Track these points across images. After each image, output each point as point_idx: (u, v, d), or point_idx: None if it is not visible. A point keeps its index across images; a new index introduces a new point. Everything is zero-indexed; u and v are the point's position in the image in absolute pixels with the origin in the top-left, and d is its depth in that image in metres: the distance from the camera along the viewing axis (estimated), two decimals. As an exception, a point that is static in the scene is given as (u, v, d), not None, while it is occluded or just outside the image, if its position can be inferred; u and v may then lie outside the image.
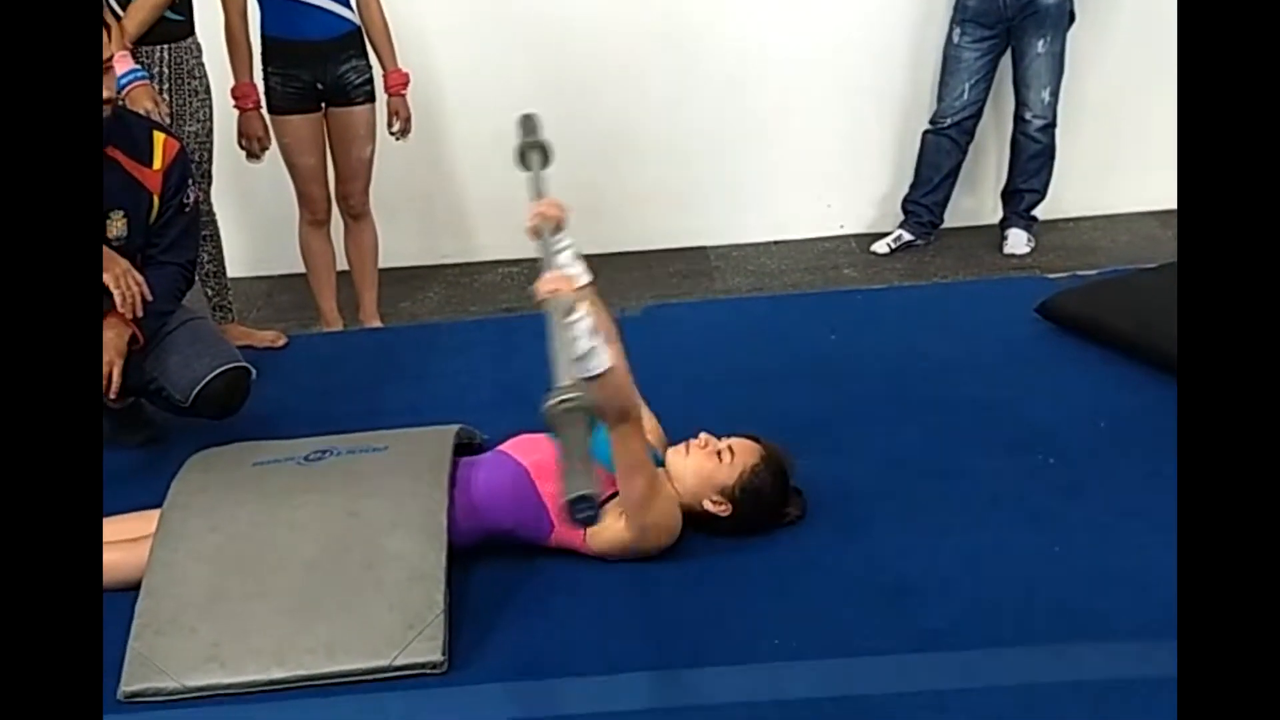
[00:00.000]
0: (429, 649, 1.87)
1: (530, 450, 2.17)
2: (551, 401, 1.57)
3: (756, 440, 2.17)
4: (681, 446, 2.17)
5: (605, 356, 1.83)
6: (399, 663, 1.86)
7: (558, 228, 2.07)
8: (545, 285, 1.83)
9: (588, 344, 1.80)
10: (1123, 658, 1.81)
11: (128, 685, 1.86)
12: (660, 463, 2.20)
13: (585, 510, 1.46)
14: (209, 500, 2.18)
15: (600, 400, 1.79)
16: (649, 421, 2.25)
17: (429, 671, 1.86)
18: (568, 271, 2.00)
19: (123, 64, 2.79)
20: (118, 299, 2.31)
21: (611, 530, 2.07)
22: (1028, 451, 2.39)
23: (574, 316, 1.79)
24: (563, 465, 1.53)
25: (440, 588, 1.94)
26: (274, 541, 2.07)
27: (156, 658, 1.88)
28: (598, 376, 1.82)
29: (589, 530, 2.06)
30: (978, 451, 2.41)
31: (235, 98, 3.45)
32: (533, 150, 2.31)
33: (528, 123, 2.39)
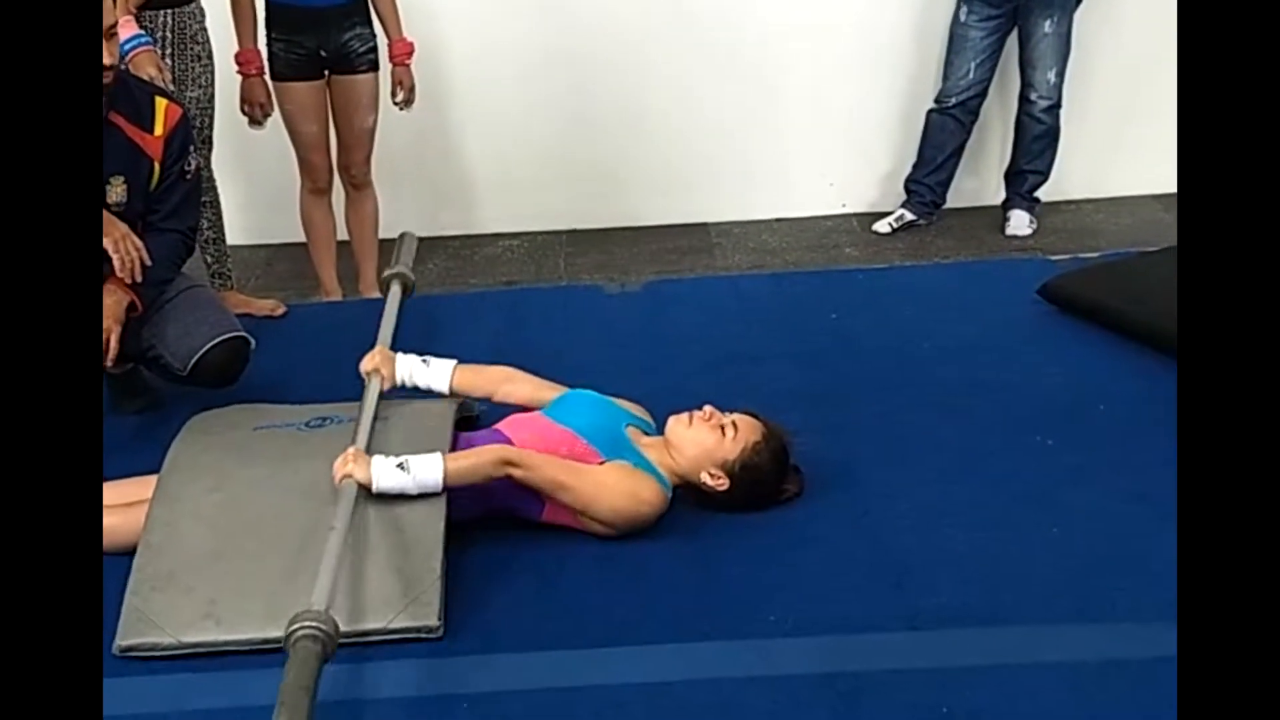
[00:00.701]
0: (425, 613, 1.87)
1: (523, 429, 2.17)
2: (290, 627, 1.66)
3: (756, 417, 2.17)
4: (685, 415, 2.16)
5: (430, 474, 1.99)
6: (394, 625, 1.86)
7: (387, 380, 2.29)
8: (338, 472, 2.00)
9: (401, 485, 1.98)
10: (1120, 638, 1.82)
11: (123, 639, 1.86)
12: (650, 431, 2.22)
13: None
14: (209, 461, 2.18)
15: (464, 483, 2.00)
16: (524, 388, 2.33)
17: (424, 636, 1.86)
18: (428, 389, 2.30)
19: (126, 29, 2.77)
20: (116, 264, 2.30)
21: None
22: (1027, 433, 2.39)
23: (375, 486, 1.97)
24: (279, 700, 1.53)
25: (438, 554, 1.94)
26: (273, 504, 2.07)
27: (153, 613, 1.89)
28: (441, 487, 2.00)
29: (579, 510, 2.06)
30: (977, 432, 2.41)
31: (238, 63, 3.43)
32: (395, 280, 2.54)
33: (403, 246, 2.64)
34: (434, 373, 2.33)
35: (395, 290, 2.55)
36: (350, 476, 1.97)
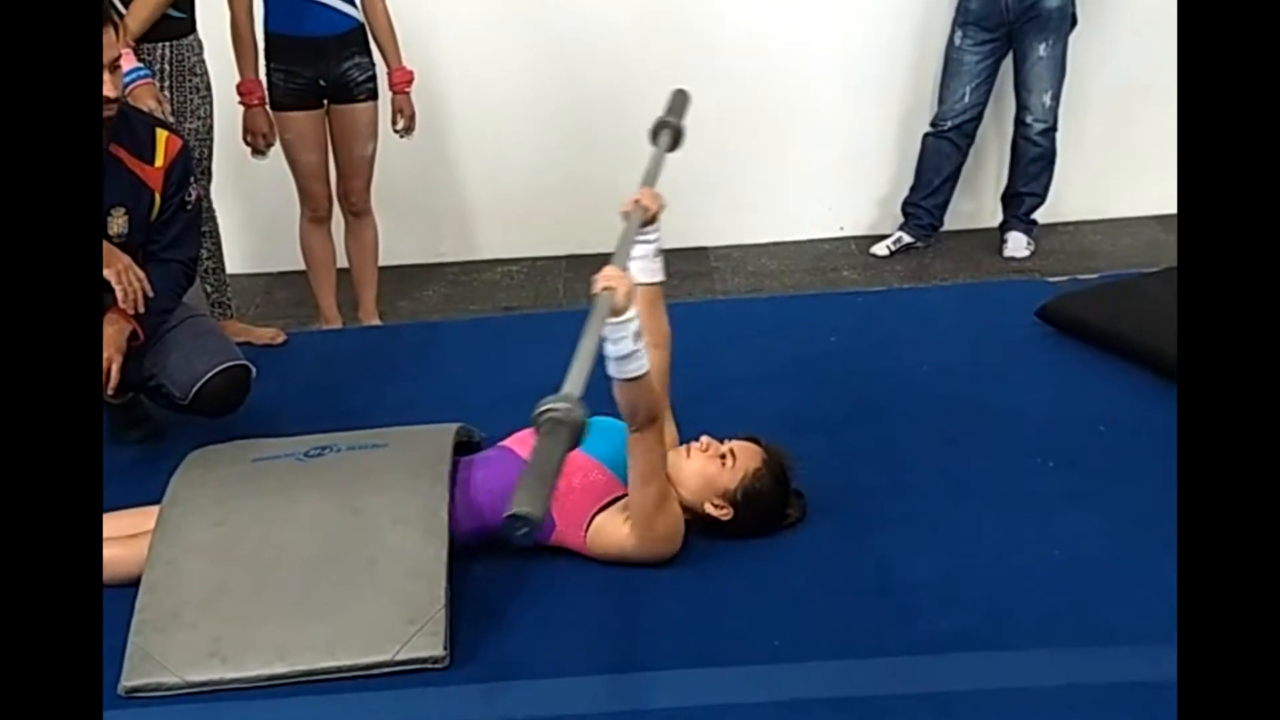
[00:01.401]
0: (430, 644, 1.87)
1: (529, 446, 2.17)
2: (543, 408, 1.55)
3: (757, 442, 2.17)
4: (683, 449, 2.17)
5: (644, 360, 1.85)
6: (400, 657, 1.86)
7: (649, 221, 2.06)
8: (602, 279, 1.81)
9: (630, 346, 1.82)
10: (1123, 661, 1.81)
11: (129, 680, 1.85)
12: None
13: (521, 529, 1.40)
14: (209, 496, 2.18)
15: (628, 402, 1.85)
16: (670, 434, 2.25)
17: (430, 666, 1.86)
18: (635, 268, 2.02)
19: (127, 62, 2.78)
20: (119, 295, 2.31)
21: (613, 534, 2.07)
22: (1027, 455, 2.39)
23: (623, 317, 1.79)
24: (523, 475, 1.47)
25: (441, 583, 1.94)
26: (275, 538, 2.07)
27: (157, 653, 1.88)
28: (634, 379, 1.85)
29: (590, 531, 2.06)
30: (977, 454, 2.41)
31: (240, 94, 3.45)
32: (665, 130, 2.33)
33: (677, 99, 2.39)
34: (644, 267, 2.28)
35: (665, 140, 2.42)
36: (612, 289, 1.78)
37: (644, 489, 2.00)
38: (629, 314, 1.81)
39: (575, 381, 1.60)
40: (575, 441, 1.54)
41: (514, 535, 1.41)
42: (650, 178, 2.18)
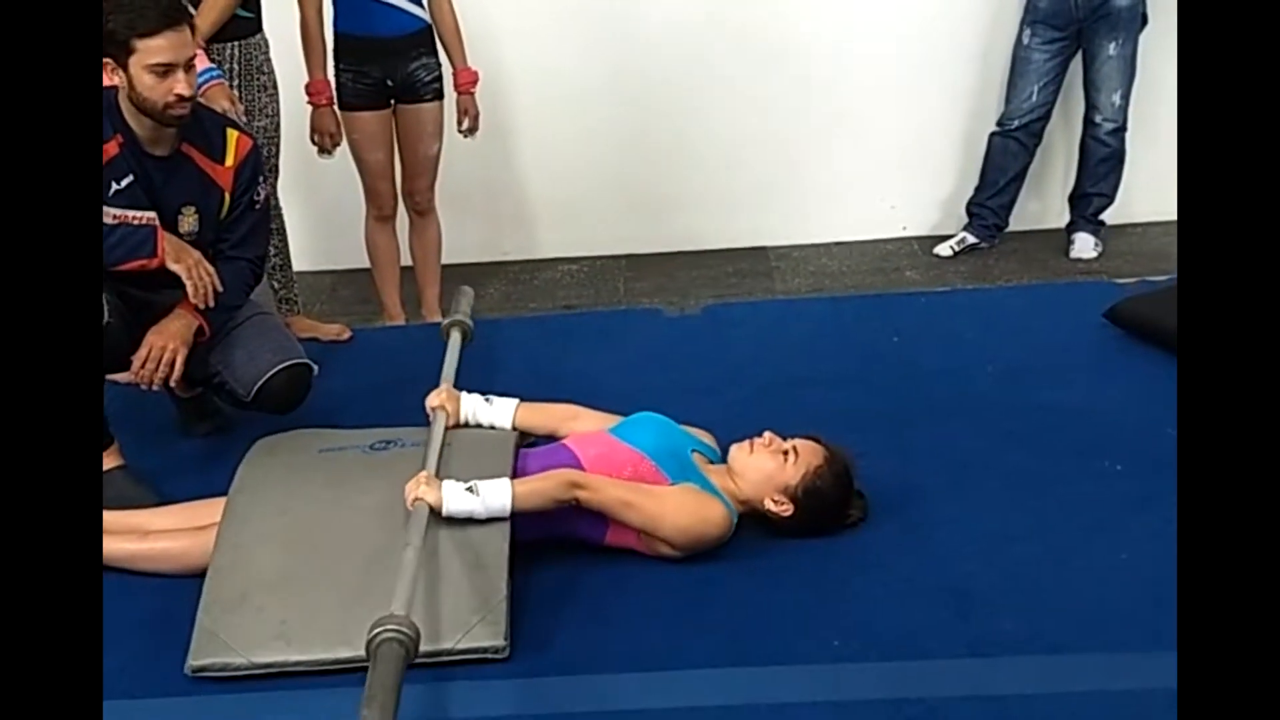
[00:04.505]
0: (491, 634, 1.88)
1: (589, 445, 2.19)
2: (372, 631, 1.68)
3: (819, 442, 2.16)
4: (746, 444, 2.16)
5: (503, 494, 2.00)
6: (461, 646, 1.87)
7: (451, 417, 2.31)
8: (410, 495, 2.01)
9: (480, 506, 2.00)
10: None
11: (196, 659, 1.88)
12: (715, 459, 2.22)
13: None
14: (276, 484, 2.21)
15: (532, 509, 2.02)
16: (599, 419, 2.32)
17: (491, 656, 1.87)
18: (495, 421, 2.33)
19: (200, 63, 2.83)
20: (190, 289, 2.35)
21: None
22: (1095, 458, 2.35)
23: (446, 509, 1.99)
24: (363, 705, 1.54)
25: (503, 576, 1.96)
26: (340, 526, 2.10)
27: (224, 633, 1.91)
28: (518, 506, 2.01)
29: (645, 530, 2.07)
30: (1043, 457, 2.38)
31: (309, 94, 3.50)
32: (455, 328, 2.62)
33: (463, 299, 2.72)
34: (497, 411, 2.36)
35: (455, 336, 2.64)
36: (421, 500, 1.99)
37: (628, 514, 2.05)
38: (449, 505, 2.00)
39: (401, 598, 1.75)
40: (407, 661, 1.67)
41: None
42: (449, 375, 2.47)
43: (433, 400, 2.36)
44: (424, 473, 2.05)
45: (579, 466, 2.13)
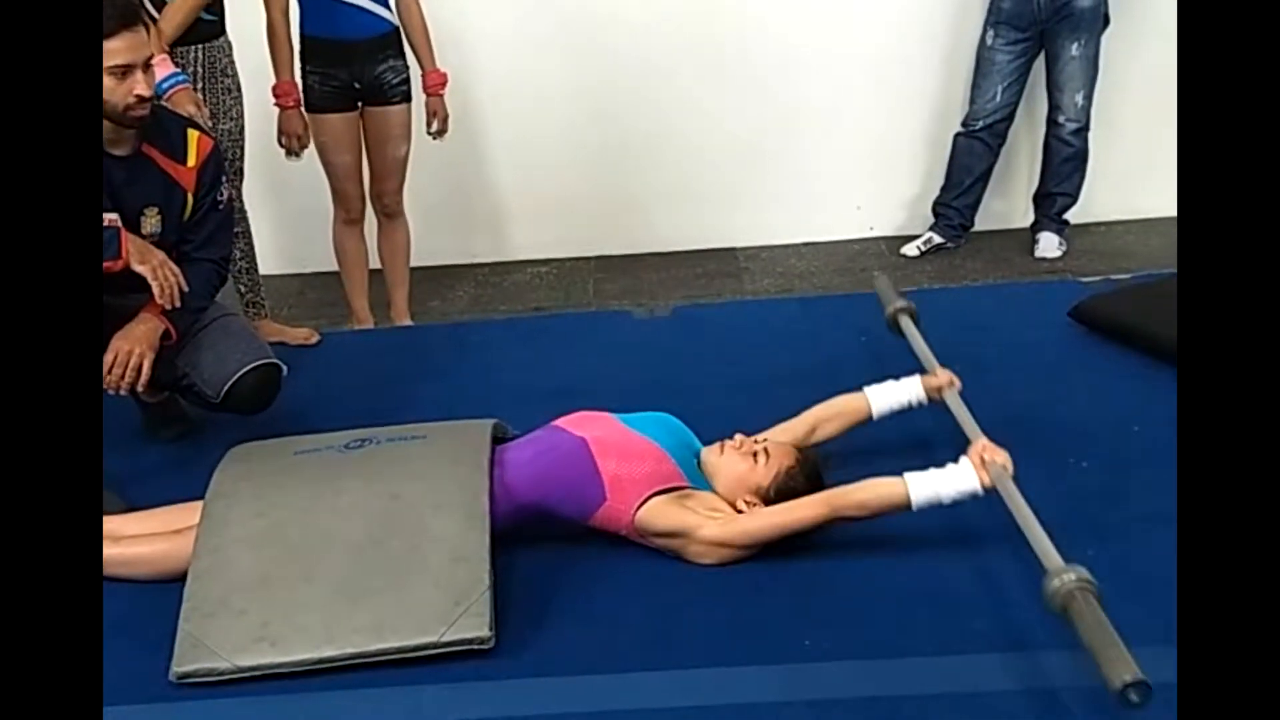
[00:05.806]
0: (476, 624, 1.88)
1: (588, 425, 2.18)
2: (1060, 579, 1.74)
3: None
4: (716, 446, 2.18)
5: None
6: (447, 639, 1.87)
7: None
8: (986, 454, 2.07)
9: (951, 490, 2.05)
10: (1156, 662, 1.79)
11: (179, 666, 1.88)
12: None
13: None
14: (252, 488, 2.21)
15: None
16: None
17: (476, 648, 1.87)
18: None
19: (163, 68, 2.81)
20: (156, 290, 2.33)
21: (671, 519, 2.06)
22: (1061, 456, 2.38)
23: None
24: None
25: (485, 565, 1.97)
26: (318, 525, 2.10)
27: (207, 639, 1.90)
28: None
29: (641, 511, 2.06)
30: (1010, 455, 2.39)
31: (276, 96, 3.48)
32: (902, 314, 2.72)
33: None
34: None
35: (906, 321, 2.71)
36: (995, 461, 2.03)
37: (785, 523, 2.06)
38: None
39: (1051, 555, 1.83)
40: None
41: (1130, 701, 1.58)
42: (929, 357, 2.54)
43: (938, 382, 2.38)
44: (981, 440, 2.09)
45: (582, 445, 2.12)
